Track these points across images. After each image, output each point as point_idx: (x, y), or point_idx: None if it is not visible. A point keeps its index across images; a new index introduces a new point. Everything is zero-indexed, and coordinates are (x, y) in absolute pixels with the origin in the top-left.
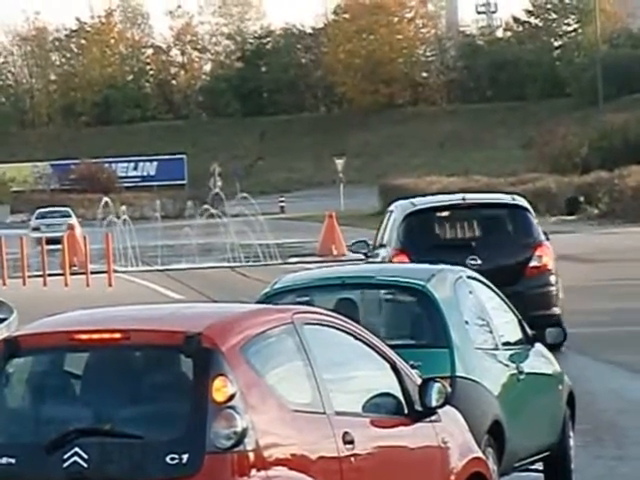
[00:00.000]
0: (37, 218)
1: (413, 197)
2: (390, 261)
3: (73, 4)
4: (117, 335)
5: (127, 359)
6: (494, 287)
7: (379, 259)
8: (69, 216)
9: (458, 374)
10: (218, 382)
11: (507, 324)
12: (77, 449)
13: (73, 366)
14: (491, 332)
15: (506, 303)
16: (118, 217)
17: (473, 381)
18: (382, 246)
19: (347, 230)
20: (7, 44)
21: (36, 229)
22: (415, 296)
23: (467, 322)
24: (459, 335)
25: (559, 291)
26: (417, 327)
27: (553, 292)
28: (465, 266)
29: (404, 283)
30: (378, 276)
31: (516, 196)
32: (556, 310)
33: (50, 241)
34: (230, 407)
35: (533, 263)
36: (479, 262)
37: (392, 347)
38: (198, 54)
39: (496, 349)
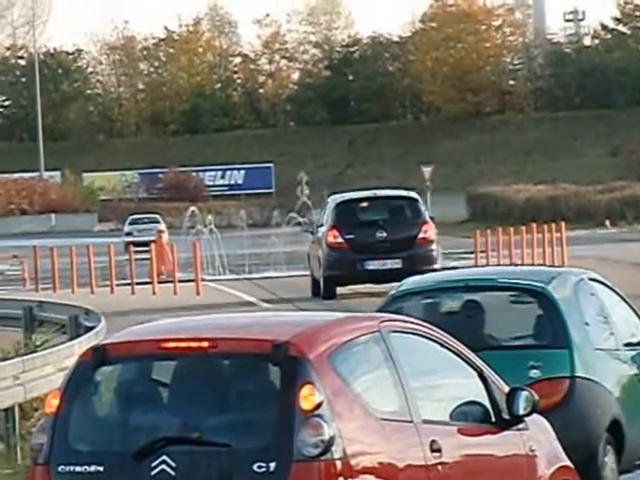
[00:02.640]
0: (130, 224)
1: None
2: (326, 234)
3: (161, 13)
4: (205, 344)
5: (214, 367)
6: (618, 290)
7: (320, 234)
8: (158, 222)
9: (577, 374)
10: (305, 390)
11: (629, 325)
12: (165, 457)
13: (161, 374)
14: (612, 333)
15: (629, 305)
16: (205, 226)
17: (592, 381)
18: (321, 225)
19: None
20: (96, 53)
21: (129, 234)
22: (536, 298)
23: (587, 323)
24: (579, 336)
25: (438, 255)
26: (537, 328)
27: (435, 254)
28: (376, 238)
29: (525, 285)
30: (500, 278)
31: (410, 192)
32: (436, 267)
33: (141, 244)
34: (317, 415)
35: (420, 235)
36: (384, 235)
37: (513, 348)
38: (286, 62)
39: (617, 350)
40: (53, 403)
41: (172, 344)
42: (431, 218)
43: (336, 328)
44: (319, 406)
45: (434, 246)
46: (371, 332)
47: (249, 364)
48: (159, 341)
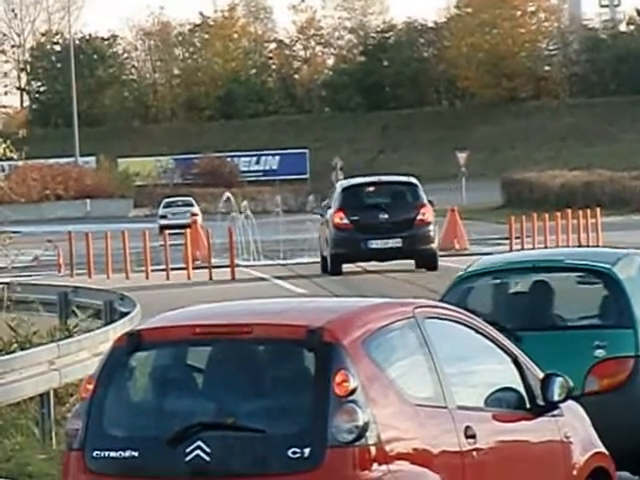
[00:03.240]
0: (164, 207)
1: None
2: (333, 216)
3: None
4: (239, 329)
5: (249, 353)
6: None
7: (328, 215)
8: (192, 205)
9: None
10: (340, 376)
11: None
12: (200, 443)
13: (195, 360)
14: None
15: None
16: (240, 212)
17: None
18: (329, 207)
19: (469, 224)
20: (131, 39)
21: (163, 217)
22: (602, 278)
23: None
24: None
25: (435, 234)
26: (603, 308)
27: (432, 234)
28: (378, 219)
29: (591, 266)
30: (567, 260)
31: (410, 177)
32: (433, 246)
33: (175, 227)
34: (352, 401)
35: (419, 217)
36: (386, 216)
37: (579, 328)
38: (321, 48)
39: None
40: (88, 388)
41: (207, 329)
42: (430, 202)
43: (371, 314)
44: (353, 392)
45: (431, 227)
46: (406, 318)
47: (284, 350)
48: (194, 326)
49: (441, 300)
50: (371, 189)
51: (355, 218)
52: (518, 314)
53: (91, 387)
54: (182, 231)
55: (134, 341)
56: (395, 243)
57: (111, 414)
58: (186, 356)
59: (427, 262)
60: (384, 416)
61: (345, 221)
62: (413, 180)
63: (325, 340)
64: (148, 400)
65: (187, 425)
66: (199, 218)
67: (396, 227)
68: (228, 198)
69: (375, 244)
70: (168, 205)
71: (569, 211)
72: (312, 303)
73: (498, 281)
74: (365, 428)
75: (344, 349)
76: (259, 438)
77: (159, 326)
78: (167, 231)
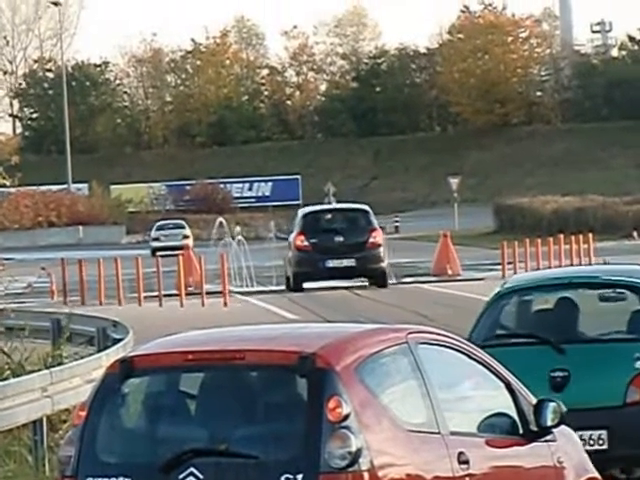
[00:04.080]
0: (157, 230)
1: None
2: (295, 239)
3: (188, 25)
4: (232, 355)
5: (242, 379)
6: None
7: (290, 238)
8: (184, 227)
9: None
10: (332, 402)
11: None
12: (193, 469)
13: (188, 386)
14: None
15: None
16: (233, 237)
17: None
18: (291, 231)
19: (462, 250)
20: (123, 66)
21: (156, 239)
22: (638, 294)
23: None
24: None
25: (385, 255)
26: (638, 322)
27: (382, 255)
28: (334, 242)
29: (627, 282)
30: (603, 276)
31: (363, 205)
32: (383, 265)
33: (168, 248)
34: (344, 427)
35: (371, 240)
36: (342, 239)
37: (619, 341)
38: (313, 74)
39: None
40: (81, 415)
41: (200, 356)
42: (381, 227)
43: (363, 340)
44: (346, 418)
45: (382, 249)
46: (398, 344)
47: (276, 376)
48: (186, 353)
49: (480, 316)
50: (328, 215)
51: (314, 241)
52: (558, 328)
53: (84, 414)
54: (175, 252)
55: (126, 368)
56: (349, 263)
57: (104, 441)
58: (179, 382)
59: (378, 280)
60: (377, 442)
61: (305, 243)
62: (365, 207)
63: (318, 366)
64: (141, 427)
65: (180, 452)
66: (190, 241)
67: (350, 249)
68: (221, 223)
69: (332, 263)
70: (160, 228)
71: (561, 236)
72: (304, 329)
73: (536, 296)
74: (358, 454)
75: (337, 375)
76: (252, 464)
77: (151, 352)
78: (160, 253)
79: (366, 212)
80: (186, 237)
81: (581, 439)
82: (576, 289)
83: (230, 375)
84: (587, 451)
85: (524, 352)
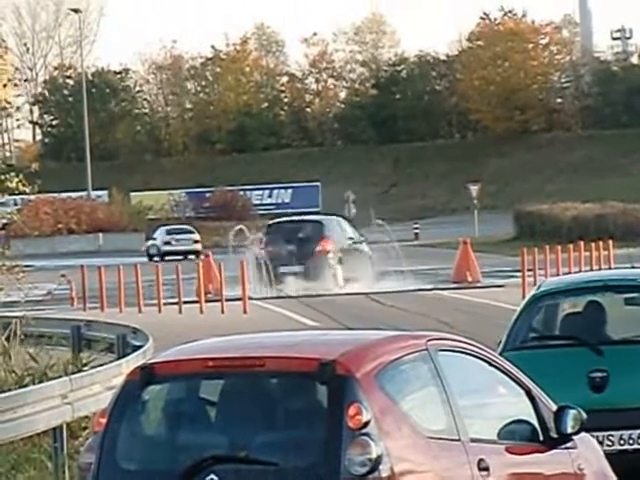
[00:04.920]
0: (167, 234)
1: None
2: (257, 247)
3: (209, 32)
4: (252, 362)
5: (262, 386)
6: None
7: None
8: (193, 232)
9: None
10: (353, 409)
11: None
12: (213, 476)
13: (208, 393)
14: None
15: None
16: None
17: None
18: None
19: (482, 257)
20: (143, 73)
21: (167, 243)
22: None
23: None
24: None
25: (334, 262)
26: None
27: (330, 262)
28: (288, 250)
29: None
30: (639, 279)
31: (322, 216)
32: (330, 271)
33: (179, 252)
34: (365, 434)
35: (319, 248)
36: (296, 248)
37: None
38: (333, 81)
39: None
40: (101, 422)
41: (220, 363)
42: (326, 237)
43: (383, 347)
44: (366, 425)
45: (330, 255)
46: (418, 350)
47: (296, 383)
48: (207, 360)
49: (516, 319)
50: (287, 226)
51: (270, 249)
52: (593, 330)
53: (104, 421)
54: (182, 258)
55: (147, 374)
56: (299, 269)
57: (124, 448)
58: (199, 389)
59: (325, 284)
60: (397, 449)
61: (263, 251)
62: (319, 218)
63: (338, 373)
64: (161, 434)
65: (200, 458)
66: (200, 246)
67: (301, 256)
68: (241, 230)
69: (283, 269)
70: (169, 232)
71: (581, 243)
72: (324, 336)
73: (571, 299)
74: (378, 461)
75: (357, 382)
76: (272, 471)
77: (172, 359)
78: (169, 257)
79: (320, 223)
80: (196, 242)
81: (621, 438)
82: (610, 292)
83: (250, 382)
84: (628, 450)
85: (562, 354)
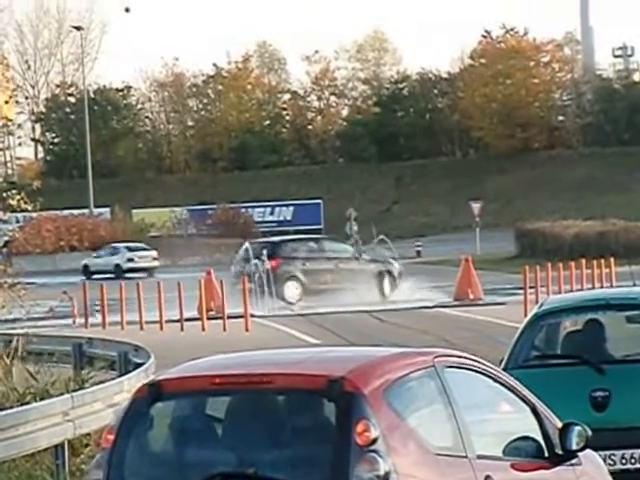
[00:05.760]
0: (129, 251)
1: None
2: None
3: (210, 50)
4: (259, 379)
5: (269, 403)
6: None
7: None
8: (151, 250)
9: None
10: (361, 426)
11: None
12: None
13: (215, 410)
14: None
15: None
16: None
17: None
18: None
19: (483, 274)
20: (145, 90)
21: (130, 260)
22: None
23: None
24: None
25: (287, 277)
26: None
27: (284, 276)
28: (248, 269)
29: None
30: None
31: (280, 237)
32: (279, 285)
33: (140, 269)
34: (373, 450)
35: (272, 264)
36: (255, 262)
37: None
38: (335, 99)
39: None
40: (109, 438)
41: (227, 380)
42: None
43: (390, 363)
44: (374, 441)
45: (284, 267)
46: (425, 367)
47: (304, 400)
48: (214, 377)
49: (519, 337)
50: (253, 246)
51: (235, 269)
52: (597, 348)
53: (112, 437)
54: (143, 275)
55: (154, 391)
56: (257, 286)
57: (132, 464)
58: (206, 406)
59: (278, 297)
60: (405, 465)
61: (232, 269)
62: (274, 239)
63: (346, 390)
64: (168, 450)
65: (208, 475)
66: (157, 262)
67: (257, 271)
68: (247, 250)
69: (240, 286)
70: (130, 250)
71: (583, 261)
72: (331, 353)
73: (573, 317)
74: (386, 477)
75: (365, 399)
76: None
77: (179, 376)
78: (128, 274)
79: (274, 243)
80: (155, 259)
81: (623, 458)
82: (612, 310)
83: (257, 399)
84: (630, 470)
85: (564, 373)
